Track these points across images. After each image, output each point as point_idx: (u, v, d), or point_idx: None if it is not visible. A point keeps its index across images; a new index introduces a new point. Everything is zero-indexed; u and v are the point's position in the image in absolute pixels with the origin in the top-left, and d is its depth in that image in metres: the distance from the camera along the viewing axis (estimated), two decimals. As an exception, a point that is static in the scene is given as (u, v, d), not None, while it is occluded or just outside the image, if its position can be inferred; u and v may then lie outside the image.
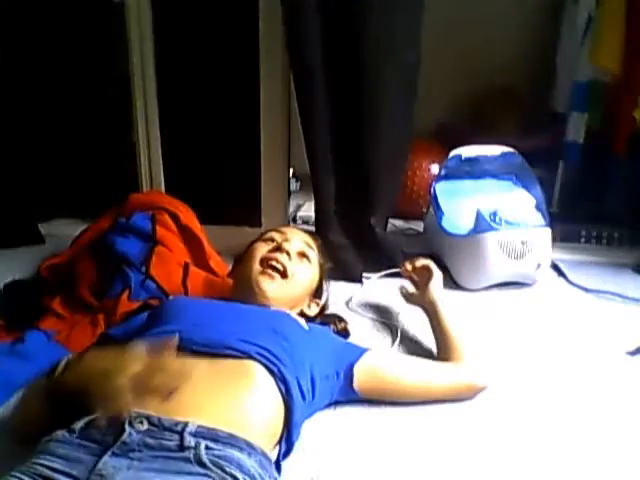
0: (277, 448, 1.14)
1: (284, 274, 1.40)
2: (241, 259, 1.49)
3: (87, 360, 1.12)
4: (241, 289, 1.43)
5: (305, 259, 1.46)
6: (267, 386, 1.14)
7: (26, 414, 1.20)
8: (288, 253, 1.42)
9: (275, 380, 1.14)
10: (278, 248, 1.43)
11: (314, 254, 1.50)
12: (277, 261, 1.40)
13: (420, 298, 1.61)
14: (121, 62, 2.06)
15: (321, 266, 1.52)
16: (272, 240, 1.47)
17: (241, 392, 1.10)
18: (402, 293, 1.70)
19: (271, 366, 1.15)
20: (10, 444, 1.18)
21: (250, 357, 1.15)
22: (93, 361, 1.11)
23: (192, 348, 1.14)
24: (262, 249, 1.44)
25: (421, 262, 1.65)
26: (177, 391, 1.02)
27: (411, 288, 1.67)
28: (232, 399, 1.07)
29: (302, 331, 1.32)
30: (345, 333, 1.54)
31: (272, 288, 1.38)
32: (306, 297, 1.48)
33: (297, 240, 1.48)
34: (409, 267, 1.66)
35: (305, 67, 1.80)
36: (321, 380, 1.25)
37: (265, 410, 1.11)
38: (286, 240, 1.46)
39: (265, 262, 1.40)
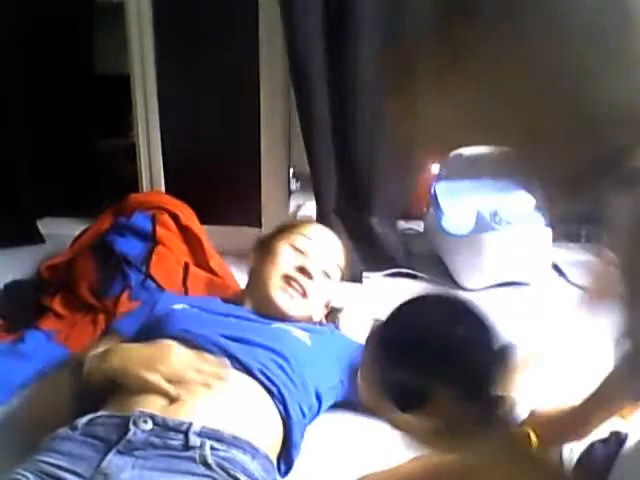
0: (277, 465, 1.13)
1: (304, 294, 1.37)
2: (263, 250, 1.44)
3: (122, 353, 1.15)
4: (256, 295, 1.40)
5: (327, 278, 1.42)
6: (265, 405, 1.13)
7: (45, 409, 1.21)
8: (310, 275, 1.37)
9: (274, 400, 1.14)
10: (302, 269, 1.37)
11: (338, 269, 1.46)
12: (299, 283, 1.36)
13: None
14: (121, 62, 2.06)
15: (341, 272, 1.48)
16: (301, 252, 1.40)
17: (242, 405, 1.10)
18: None
19: (270, 386, 1.14)
20: (10, 442, 1.18)
21: (250, 374, 1.15)
22: (128, 354, 1.13)
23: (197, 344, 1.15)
24: (287, 258, 1.39)
25: None
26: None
27: None
28: (233, 404, 1.08)
29: (304, 349, 1.29)
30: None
31: (289, 307, 1.35)
32: (322, 308, 1.45)
33: (325, 256, 1.42)
34: None
35: (304, 67, 1.80)
36: (327, 393, 1.26)
37: (263, 429, 1.11)
38: (314, 254, 1.40)
39: (286, 280, 1.37)
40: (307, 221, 1.52)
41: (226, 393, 1.09)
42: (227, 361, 1.14)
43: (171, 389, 1.03)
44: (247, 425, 1.06)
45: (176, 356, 1.09)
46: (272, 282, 1.37)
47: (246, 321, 1.33)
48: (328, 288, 1.43)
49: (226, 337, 1.22)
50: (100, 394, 1.10)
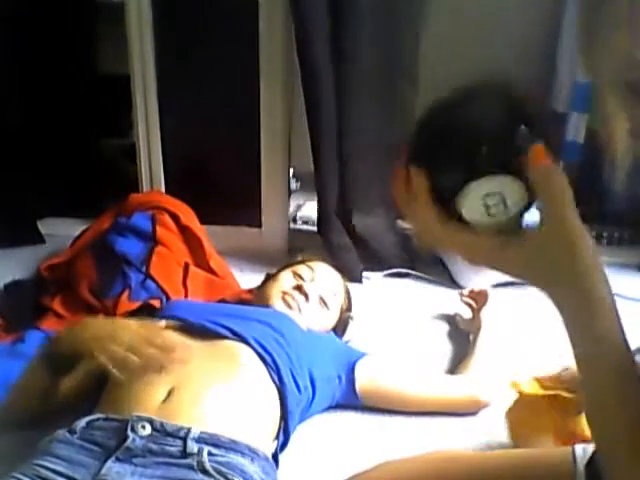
0: (276, 441, 1.14)
1: (299, 311, 1.40)
2: (268, 280, 1.51)
3: (85, 325, 1.17)
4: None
5: (324, 306, 1.45)
6: (260, 375, 1.14)
7: (24, 387, 1.20)
8: (307, 296, 1.42)
9: (267, 368, 1.15)
10: (299, 288, 1.42)
11: (335, 301, 1.49)
12: (295, 300, 1.40)
13: (470, 324, 1.64)
14: (121, 62, 2.06)
15: (342, 312, 1.52)
16: (300, 277, 1.46)
17: (236, 383, 1.10)
18: (456, 320, 1.73)
19: (264, 354, 1.16)
20: (10, 443, 1.18)
21: (245, 342, 1.16)
22: (86, 327, 1.16)
23: (186, 326, 1.18)
24: (287, 281, 1.45)
25: (480, 289, 1.69)
26: (165, 368, 1.05)
27: (466, 314, 1.70)
28: (228, 393, 1.08)
29: (301, 332, 1.32)
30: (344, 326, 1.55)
31: (285, 311, 1.39)
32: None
33: (322, 284, 1.47)
34: (466, 293, 1.71)
35: (313, 68, 1.81)
36: (322, 381, 1.25)
37: (260, 402, 1.12)
38: (312, 280, 1.45)
39: (284, 294, 1.42)
40: (312, 258, 1.58)
41: (220, 378, 1.09)
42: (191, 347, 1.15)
43: (118, 377, 1.04)
44: (246, 419, 1.06)
45: (123, 332, 1.09)
46: (272, 295, 1.42)
47: (245, 306, 1.42)
48: (324, 316, 1.46)
49: (222, 314, 1.27)
50: (69, 360, 1.12)
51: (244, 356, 1.16)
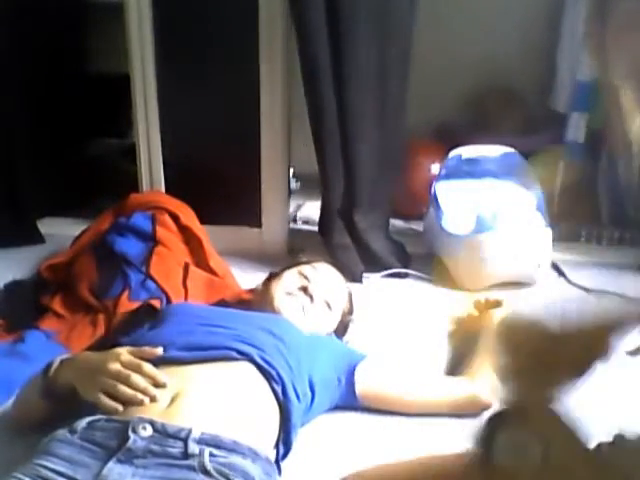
0: (275, 450, 1.14)
1: (302, 311, 1.41)
2: (271, 279, 1.50)
3: (77, 360, 1.16)
4: (260, 307, 1.44)
5: (328, 308, 1.45)
6: (262, 388, 1.14)
7: (24, 410, 1.23)
8: (312, 298, 1.42)
9: (270, 382, 1.15)
10: (305, 289, 1.42)
11: (339, 304, 1.49)
12: (298, 300, 1.41)
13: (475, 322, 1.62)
14: (121, 62, 2.06)
15: (344, 315, 1.51)
16: (305, 277, 1.45)
17: (238, 395, 1.10)
18: (462, 317, 1.71)
19: (267, 367, 1.16)
20: (10, 443, 1.18)
21: (246, 358, 1.16)
22: (81, 360, 1.15)
23: (182, 356, 1.15)
24: (293, 281, 1.45)
25: (495, 299, 1.67)
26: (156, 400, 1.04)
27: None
28: (230, 403, 1.08)
29: (301, 336, 1.32)
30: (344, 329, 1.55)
31: (286, 306, 1.39)
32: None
33: (327, 286, 1.46)
34: (482, 301, 1.69)
35: (314, 66, 1.81)
36: (321, 385, 1.25)
37: (261, 412, 1.12)
38: (317, 282, 1.45)
39: (288, 296, 1.42)
40: (316, 259, 1.58)
41: (222, 391, 1.09)
42: (160, 350, 1.13)
43: (112, 406, 1.02)
44: (247, 425, 1.06)
45: (108, 369, 1.07)
46: (276, 296, 1.41)
47: (245, 311, 1.41)
48: (327, 318, 1.45)
49: (225, 319, 1.27)
50: (67, 396, 1.11)
51: (248, 368, 1.15)
